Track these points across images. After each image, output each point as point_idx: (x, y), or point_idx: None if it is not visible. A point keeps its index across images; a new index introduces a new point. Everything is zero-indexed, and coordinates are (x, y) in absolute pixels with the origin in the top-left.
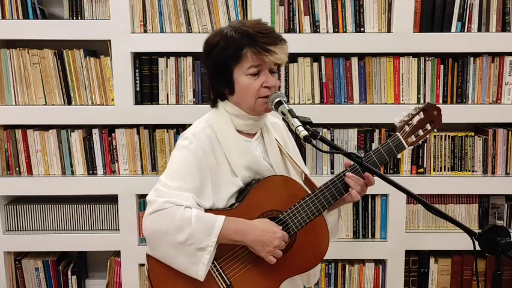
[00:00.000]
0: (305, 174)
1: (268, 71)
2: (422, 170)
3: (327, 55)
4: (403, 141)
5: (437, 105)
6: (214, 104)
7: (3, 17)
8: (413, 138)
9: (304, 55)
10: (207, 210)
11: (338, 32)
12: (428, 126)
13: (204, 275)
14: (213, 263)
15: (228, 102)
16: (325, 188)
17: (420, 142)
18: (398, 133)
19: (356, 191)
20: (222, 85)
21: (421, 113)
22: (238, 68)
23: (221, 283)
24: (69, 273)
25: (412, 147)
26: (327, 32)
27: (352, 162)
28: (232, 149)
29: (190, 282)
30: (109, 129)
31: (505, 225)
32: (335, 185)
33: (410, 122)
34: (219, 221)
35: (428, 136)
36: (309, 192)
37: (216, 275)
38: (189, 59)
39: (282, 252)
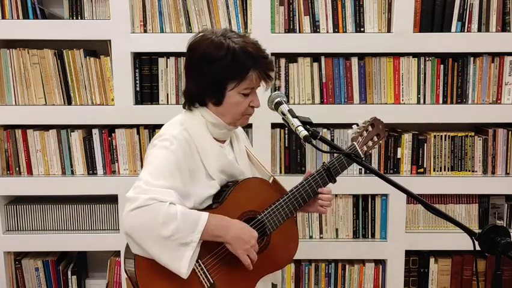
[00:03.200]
0: (274, 178)
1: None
2: (422, 170)
3: (327, 55)
4: (359, 150)
5: (381, 120)
6: (189, 107)
7: (3, 17)
8: (364, 148)
9: (304, 55)
10: None
11: (338, 32)
12: (375, 138)
13: (186, 272)
14: (197, 262)
15: (207, 110)
16: (296, 192)
17: (370, 152)
18: (354, 142)
19: (326, 206)
20: (210, 95)
21: (369, 126)
22: (236, 86)
23: (205, 282)
24: (69, 273)
25: (364, 156)
26: (327, 32)
27: (312, 172)
28: (209, 154)
29: (176, 280)
30: (109, 129)
31: (505, 225)
32: (304, 189)
33: (362, 134)
34: (204, 217)
35: (376, 147)
36: (283, 194)
37: (201, 274)
38: None
39: (256, 255)
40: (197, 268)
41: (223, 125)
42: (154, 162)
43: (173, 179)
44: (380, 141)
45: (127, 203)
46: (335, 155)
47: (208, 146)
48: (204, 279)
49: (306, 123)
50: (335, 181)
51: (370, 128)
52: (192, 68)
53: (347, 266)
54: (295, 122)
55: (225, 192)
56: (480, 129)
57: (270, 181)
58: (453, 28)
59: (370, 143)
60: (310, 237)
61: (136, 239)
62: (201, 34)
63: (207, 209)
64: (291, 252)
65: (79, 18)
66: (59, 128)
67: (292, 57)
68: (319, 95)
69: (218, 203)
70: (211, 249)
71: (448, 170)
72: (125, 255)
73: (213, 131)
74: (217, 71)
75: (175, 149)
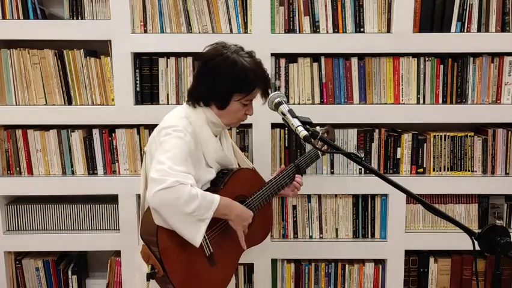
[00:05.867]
0: (254, 168)
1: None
2: (421, 170)
3: (327, 55)
4: (319, 153)
5: (332, 128)
6: (193, 104)
7: (4, 17)
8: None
9: (304, 55)
10: None
11: (338, 32)
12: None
13: (199, 242)
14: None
15: (210, 110)
16: (275, 182)
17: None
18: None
19: (297, 190)
20: (216, 101)
21: (326, 133)
22: (241, 98)
23: (207, 250)
24: (69, 273)
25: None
26: (327, 32)
27: (285, 167)
28: (209, 147)
29: (188, 247)
30: (109, 129)
31: (504, 225)
32: (280, 180)
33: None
34: (216, 198)
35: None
36: (264, 183)
37: (204, 244)
38: (189, 59)
39: (247, 230)
40: (202, 239)
41: (220, 125)
42: (172, 150)
43: (188, 165)
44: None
45: (153, 183)
46: (308, 148)
47: (208, 140)
48: (206, 248)
49: (306, 123)
50: (303, 174)
51: (326, 134)
52: (205, 77)
53: (347, 266)
54: (295, 122)
55: (222, 178)
56: (480, 129)
57: None
58: (453, 28)
59: (325, 147)
60: (310, 237)
61: (162, 214)
62: (214, 46)
63: (207, 191)
64: (267, 230)
65: (79, 18)
66: (59, 128)
67: (292, 57)
68: (319, 95)
69: (217, 187)
70: (212, 225)
71: (448, 170)
72: (142, 225)
73: (211, 127)
74: (229, 85)
75: (188, 140)
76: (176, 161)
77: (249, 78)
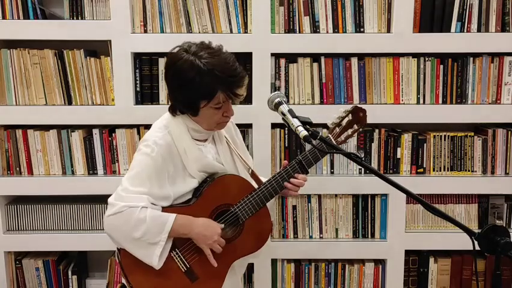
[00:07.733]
0: (252, 170)
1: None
2: (421, 170)
3: (327, 55)
4: (333, 141)
5: (362, 108)
6: (172, 113)
7: (4, 17)
8: (342, 138)
9: (304, 55)
10: (166, 208)
11: (338, 32)
12: (355, 126)
13: (157, 265)
14: (175, 250)
15: (188, 118)
16: (268, 184)
17: (347, 141)
18: (329, 135)
19: (295, 192)
20: (186, 109)
21: (349, 115)
22: (207, 104)
23: (182, 266)
24: (69, 273)
25: (341, 145)
26: (327, 32)
27: (287, 163)
28: (188, 157)
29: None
30: (109, 129)
31: (504, 225)
32: (276, 181)
33: (340, 124)
34: (170, 219)
35: (355, 135)
36: (255, 187)
37: (178, 260)
38: None
39: (221, 248)
40: (174, 256)
41: (202, 130)
42: (135, 169)
43: (150, 185)
44: (360, 129)
45: (108, 207)
46: (308, 147)
47: (188, 150)
48: (180, 264)
49: (306, 123)
50: (307, 172)
51: (350, 117)
52: (169, 85)
53: (347, 266)
54: (295, 122)
55: (202, 187)
56: (479, 129)
57: (249, 173)
58: (452, 28)
59: (350, 131)
60: (310, 237)
61: (114, 238)
62: (177, 49)
63: (185, 203)
64: (264, 237)
65: (79, 18)
66: (59, 128)
67: (292, 58)
68: (319, 95)
69: (195, 197)
70: (187, 239)
71: (448, 170)
72: (116, 245)
73: (193, 134)
74: (188, 92)
75: (155, 156)
76: (135, 181)
77: (205, 81)
